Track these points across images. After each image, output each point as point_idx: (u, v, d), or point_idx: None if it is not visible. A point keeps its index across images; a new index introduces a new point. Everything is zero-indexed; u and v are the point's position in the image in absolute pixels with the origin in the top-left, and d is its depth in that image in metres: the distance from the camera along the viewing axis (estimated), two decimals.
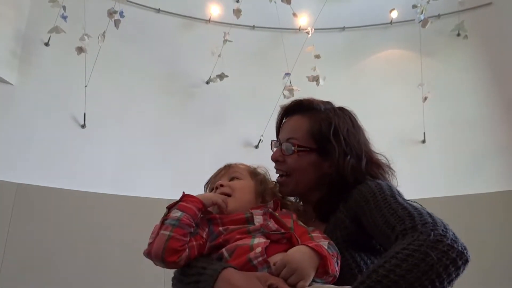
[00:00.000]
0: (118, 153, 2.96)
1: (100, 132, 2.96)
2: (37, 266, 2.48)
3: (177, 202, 1.06)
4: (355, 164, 1.16)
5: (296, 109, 1.28)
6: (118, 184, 2.84)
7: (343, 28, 3.69)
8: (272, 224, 1.05)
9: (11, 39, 2.88)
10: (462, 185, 3.02)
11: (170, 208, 1.05)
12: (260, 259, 0.96)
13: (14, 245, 2.46)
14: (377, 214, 1.00)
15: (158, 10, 3.45)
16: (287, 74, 3.20)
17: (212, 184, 1.22)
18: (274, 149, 1.28)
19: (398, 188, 1.14)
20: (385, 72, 3.53)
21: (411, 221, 0.92)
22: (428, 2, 3.19)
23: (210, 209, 1.12)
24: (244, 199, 1.15)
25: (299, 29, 3.52)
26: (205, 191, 1.26)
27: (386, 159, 1.26)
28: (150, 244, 1.00)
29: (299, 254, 0.94)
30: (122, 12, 3.00)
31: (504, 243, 2.78)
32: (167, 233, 0.98)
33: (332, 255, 0.99)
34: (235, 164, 1.26)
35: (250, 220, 1.07)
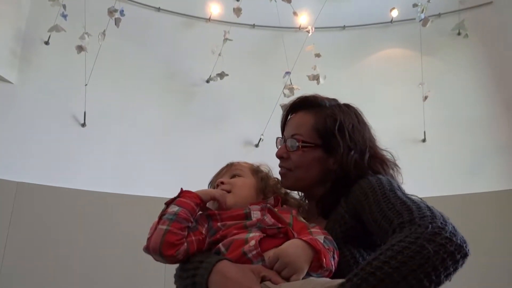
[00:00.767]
0: (118, 152, 2.96)
1: (100, 131, 2.96)
2: (37, 265, 2.48)
3: (175, 198, 1.07)
4: (358, 159, 1.16)
5: (301, 105, 1.27)
6: (118, 182, 2.84)
7: (344, 27, 3.68)
8: (268, 219, 1.06)
9: (11, 38, 2.88)
10: (462, 184, 3.02)
11: (168, 204, 1.06)
12: (254, 252, 0.96)
13: (14, 243, 2.47)
14: (375, 209, 1.00)
15: (159, 9, 3.44)
16: (288, 73, 3.19)
17: (214, 183, 1.23)
18: (279, 146, 1.27)
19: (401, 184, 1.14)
20: (386, 71, 3.53)
21: (409, 215, 0.91)
22: (428, 1, 3.19)
23: (210, 205, 1.13)
24: (244, 195, 1.15)
25: (300, 28, 3.51)
26: None
27: (392, 155, 1.25)
28: (148, 239, 1.01)
29: (293, 247, 0.94)
30: (123, 10, 3.00)
31: (504, 242, 2.78)
32: (164, 227, 0.99)
33: (328, 249, 0.99)
34: (238, 162, 1.26)
35: (248, 216, 1.08)
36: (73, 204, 2.69)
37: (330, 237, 1.04)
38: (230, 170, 1.23)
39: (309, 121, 1.21)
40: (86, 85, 2.91)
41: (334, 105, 1.25)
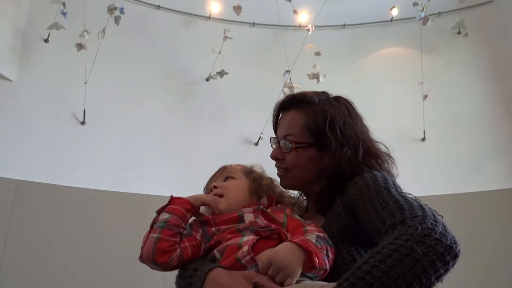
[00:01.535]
0: (118, 150, 2.95)
1: (100, 129, 2.95)
2: (37, 263, 2.48)
3: (166, 205, 1.08)
4: (351, 156, 1.15)
5: (291, 103, 1.27)
6: (117, 181, 2.84)
7: (344, 26, 3.68)
8: (261, 221, 1.05)
9: (11, 35, 2.88)
10: (462, 183, 3.02)
11: (159, 212, 1.07)
12: (248, 257, 0.97)
13: (14, 241, 2.46)
14: (370, 208, 1.00)
15: (158, 7, 3.44)
16: (287, 71, 3.19)
17: (208, 187, 1.23)
18: (274, 146, 1.27)
19: (396, 180, 1.13)
20: (386, 70, 3.53)
21: (401, 215, 0.90)
22: (428, 0, 3.19)
23: (204, 211, 1.14)
24: (237, 198, 1.15)
25: (300, 26, 3.51)
26: None
27: (386, 147, 1.24)
28: (141, 248, 1.03)
29: (284, 251, 0.94)
30: (122, 8, 2.99)
31: (504, 241, 2.78)
32: (156, 235, 1.02)
33: (321, 248, 0.98)
34: (230, 165, 1.26)
35: (242, 219, 1.08)
36: (72, 202, 2.69)
37: (323, 235, 1.03)
38: (223, 173, 1.23)
39: (300, 121, 1.21)
40: (85, 83, 2.91)
41: (323, 100, 1.24)
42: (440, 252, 0.81)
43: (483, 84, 3.32)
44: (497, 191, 2.93)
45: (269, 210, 1.11)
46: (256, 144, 3.20)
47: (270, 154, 1.26)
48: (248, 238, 1.00)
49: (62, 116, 2.89)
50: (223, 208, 1.12)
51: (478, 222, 2.82)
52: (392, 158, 1.23)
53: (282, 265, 0.92)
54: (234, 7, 3.22)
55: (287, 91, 3.07)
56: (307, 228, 1.05)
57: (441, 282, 0.82)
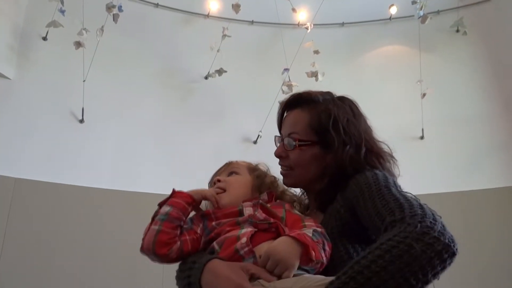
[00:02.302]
0: (117, 148, 2.95)
1: (99, 127, 2.95)
2: (36, 262, 2.48)
3: (167, 198, 1.10)
4: (354, 154, 1.16)
5: (296, 102, 1.28)
6: (116, 179, 2.84)
7: (343, 24, 3.68)
8: (259, 214, 1.07)
9: (9, 33, 2.87)
10: (461, 181, 3.03)
11: (161, 205, 1.09)
12: (246, 249, 0.98)
13: (12, 240, 2.46)
14: (370, 205, 1.01)
15: (157, 5, 3.43)
16: (286, 69, 3.19)
17: (212, 181, 1.25)
18: (278, 145, 1.28)
19: (396, 179, 1.14)
20: (384, 68, 3.53)
21: (401, 213, 0.92)
22: None
23: (204, 208, 1.15)
24: (238, 193, 1.17)
25: (298, 24, 3.51)
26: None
27: (389, 147, 1.25)
28: (142, 240, 1.05)
29: (282, 245, 0.96)
30: (121, 6, 2.98)
31: (503, 239, 2.79)
32: (157, 227, 1.04)
33: (317, 241, 1.00)
34: (236, 161, 1.28)
35: (241, 213, 1.10)
36: (71, 200, 2.69)
37: (320, 229, 1.04)
38: (228, 168, 1.25)
39: (304, 119, 1.22)
40: (84, 81, 2.91)
41: (328, 99, 1.25)
42: (438, 250, 0.82)
43: (482, 82, 3.33)
44: (495, 189, 2.94)
45: (268, 205, 1.13)
46: (255, 142, 3.21)
47: (274, 152, 1.27)
48: (247, 230, 1.02)
49: (60, 114, 2.89)
50: (225, 202, 1.14)
51: (477, 220, 2.83)
52: (394, 158, 1.24)
53: (279, 258, 0.93)
54: (232, 5, 3.21)
55: (286, 90, 3.07)
56: (306, 223, 1.07)
57: (438, 279, 0.83)
